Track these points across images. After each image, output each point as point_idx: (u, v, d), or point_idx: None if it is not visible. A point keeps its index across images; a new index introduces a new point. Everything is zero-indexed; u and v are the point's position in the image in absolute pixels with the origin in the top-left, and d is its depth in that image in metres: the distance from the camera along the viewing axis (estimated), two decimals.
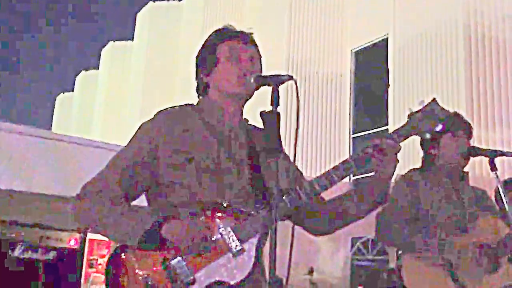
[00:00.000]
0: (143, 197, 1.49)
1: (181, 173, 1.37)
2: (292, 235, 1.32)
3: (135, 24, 21.74)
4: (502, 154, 2.09)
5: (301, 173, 1.56)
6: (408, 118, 1.42)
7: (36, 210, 6.80)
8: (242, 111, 1.50)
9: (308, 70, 11.46)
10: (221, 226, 1.31)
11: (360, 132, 11.28)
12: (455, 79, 8.46)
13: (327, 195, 1.48)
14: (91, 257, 7.47)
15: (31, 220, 6.35)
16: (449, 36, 8.79)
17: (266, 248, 1.27)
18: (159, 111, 1.47)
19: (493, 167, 2.05)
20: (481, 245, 2.11)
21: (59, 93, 29.11)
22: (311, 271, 7.46)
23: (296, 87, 1.26)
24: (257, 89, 1.41)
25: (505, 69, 8.30)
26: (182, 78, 16.38)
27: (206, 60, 1.48)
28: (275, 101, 1.24)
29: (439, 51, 8.88)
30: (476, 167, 5.58)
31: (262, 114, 1.27)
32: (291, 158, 1.50)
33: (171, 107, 1.49)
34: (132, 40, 22.09)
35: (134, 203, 1.46)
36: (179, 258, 1.29)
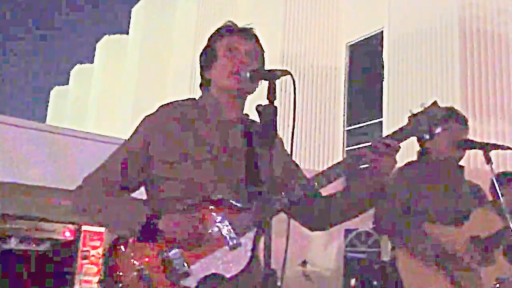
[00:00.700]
0: (142, 189, 1.52)
1: (177, 168, 1.39)
2: (288, 229, 1.33)
3: (130, 18, 21.64)
4: (497, 147, 2.11)
5: (298, 166, 1.58)
6: (408, 119, 1.44)
7: (29, 202, 6.80)
8: (242, 106, 1.52)
9: (303, 64, 11.44)
10: (218, 219, 1.32)
11: (354, 124, 11.31)
12: (450, 72, 8.46)
13: (324, 190, 1.48)
14: (84, 249, 7.47)
15: (25, 212, 6.35)
16: (444, 30, 8.79)
17: (261, 241, 1.29)
18: (161, 105, 1.49)
19: (488, 160, 2.05)
20: (474, 238, 2.12)
21: (54, 87, 28.97)
22: (304, 263, 7.49)
23: (293, 81, 1.27)
24: (256, 84, 1.44)
25: (500, 63, 8.31)
26: (176, 72, 16.33)
27: (206, 56, 1.52)
28: (271, 96, 1.26)
29: (434, 45, 8.88)
30: (471, 160, 5.60)
31: (258, 108, 1.30)
32: (289, 151, 1.50)
33: (173, 102, 1.51)
34: (127, 34, 21.99)
35: (133, 195, 1.50)
36: (175, 250, 1.31)
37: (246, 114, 1.54)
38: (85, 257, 7.54)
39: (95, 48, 24.75)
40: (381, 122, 10.02)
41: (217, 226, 1.32)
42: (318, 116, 11.29)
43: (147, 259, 1.33)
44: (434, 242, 2.07)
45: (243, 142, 1.48)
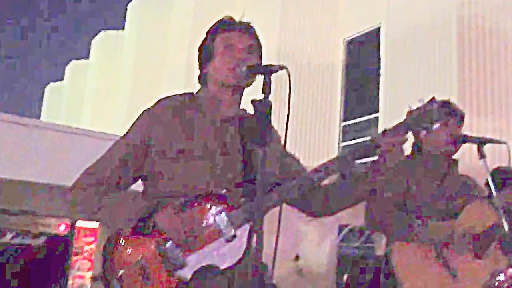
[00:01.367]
0: (139, 183, 1.53)
1: (174, 164, 1.42)
2: (279, 222, 1.35)
3: (126, 14, 21.55)
4: (491, 141, 2.13)
5: (296, 160, 1.59)
6: (407, 115, 1.47)
7: (25, 198, 6.78)
8: (239, 100, 1.54)
9: (300, 59, 11.41)
10: (214, 212, 1.35)
11: (350, 120, 11.33)
12: (447, 69, 8.45)
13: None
14: (77, 245, 7.46)
15: (20, 207, 6.34)
16: (441, 27, 8.78)
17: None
18: (159, 100, 1.51)
19: (482, 155, 2.07)
20: (468, 232, 2.13)
21: (49, 83, 28.83)
22: (296, 258, 7.52)
23: (289, 76, 1.29)
24: (252, 78, 1.45)
25: (498, 60, 8.31)
26: (172, 67, 16.27)
27: (205, 51, 1.53)
28: (266, 90, 1.28)
29: (432, 41, 8.87)
30: (467, 155, 5.58)
31: (253, 102, 1.31)
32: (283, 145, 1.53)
33: (172, 96, 1.52)
34: (123, 29, 21.90)
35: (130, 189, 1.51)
36: (171, 242, 1.34)
37: (243, 109, 1.55)
38: (78, 253, 7.54)
39: (90, 43, 24.65)
40: (377, 118, 10.01)
41: (213, 219, 1.35)
42: (315, 111, 11.30)
43: (144, 252, 1.36)
44: (431, 233, 2.10)
45: (239, 137, 1.49)
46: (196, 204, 1.36)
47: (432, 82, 8.50)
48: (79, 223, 6.68)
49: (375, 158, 1.46)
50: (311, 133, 11.24)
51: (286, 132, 1.36)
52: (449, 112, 2.23)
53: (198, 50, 1.55)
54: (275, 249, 1.32)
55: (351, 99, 11.62)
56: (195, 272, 1.33)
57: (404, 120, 1.45)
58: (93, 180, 1.44)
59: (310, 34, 11.70)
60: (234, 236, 1.34)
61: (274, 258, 1.33)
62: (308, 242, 8.07)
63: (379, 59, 10.00)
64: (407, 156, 2.30)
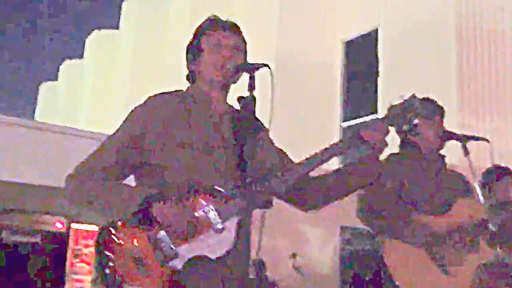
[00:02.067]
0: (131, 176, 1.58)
1: (169, 156, 1.47)
2: (262, 220, 1.43)
3: (120, 13, 21.40)
4: (474, 138, 2.24)
5: (285, 153, 1.68)
6: (388, 111, 1.55)
7: (20, 199, 6.74)
8: (226, 96, 1.62)
9: (298, 61, 11.39)
10: (205, 206, 1.41)
11: (349, 120, 11.32)
12: (446, 70, 8.47)
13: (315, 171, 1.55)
14: (76, 247, 7.39)
15: (16, 206, 6.37)
16: (440, 27, 8.79)
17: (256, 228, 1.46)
18: (150, 96, 1.58)
19: (466, 152, 2.18)
20: (458, 226, 2.19)
21: (42, 82, 28.62)
22: (293, 256, 7.57)
23: (271, 74, 1.37)
24: (238, 76, 1.55)
25: (496, 61, 8.34)
26: (170, 67, 16.19)
27: (193, 49, 1.62)
28: (251, 87, 1.38)
29: (430, 42, 8.88)
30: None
31: (239, 99, 1.42)
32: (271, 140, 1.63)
33: (162, 93, 1.60)
34: (118, 28, 21.75)
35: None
36: (163, 233, 1.40)
37: (230, 105, 1.63)
38: (76, 256, 7.47)
39: (84, 42, 24.48)
40: (377, 119, 10.00)
41: (204, 211, 1.41)
42: (313, 112, 11.27)
43: (137, 242, 1.41)
44: (422, 228, 2.14)
45: (231, 132, 1.55)
46: (188, 197, 1.42)
47: (431, 83, 8.51)
48: (78, 226, 6.68)
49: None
50: (310, 134, 11.22)
51: (269, 123, 1.46)
52: (432, 108, 2.31)
53: (186, 49, 1.64)
54: (259, 241, 1.42)
55: (350, 99, 11.62)
56: (186, 262, 1.39)
57: (386, 115, 1.53)
58: (90, 171, 1.49)
59: (308, 35, 11.68)
60: (223, 228, 1.40)
61: (258, 251, 1.44)
62: (308, 243, 8.10)
63: (378, 60, 10.00)
64: (398, 153, 2.38)
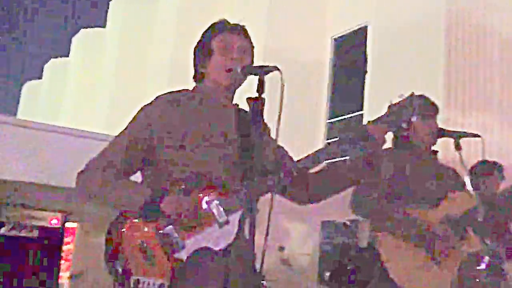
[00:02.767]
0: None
1: (175, 153, 1.53)
2: (269, 215, 1.43)
3: (107, 11, 21.21)
4: (466, 135, 2.30)
5: (286, 152, 1.74)
6: (388, 108, 1.59)
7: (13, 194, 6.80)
8: (233, 97, 1.68)
9: (287, 57, 11.38)
10: (210, 200, 1.48)
11: (336, 117, 11.35)
12: (434, 67, 8.52)
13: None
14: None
15: (14, 202, 6.58)
16: (429, 25, 8.85)
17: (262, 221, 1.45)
18: (157, 96, 1.63)
19: (458, 147, 2.24)
20: (448, 217, 2.26)
21: (26, 81, 28.23)
22: (281, 249, 7.70)
23: (281, 77, 1.40)
24: (245, 78, 1.59)
25: (484, 58, 8.41)
26: (155, 65, 16.06)
27: (202, 51, 1.66)
28: (261, 89, 1.42)
29: (419, 40, 8.93)
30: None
31: (248, 100, 1.45)
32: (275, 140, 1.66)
33: (170, 92, 1.65)
34: (105, 27, 21.55)
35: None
36: (171, 226, 1.46)
37: (237, 104, 1.69)
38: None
39: (70, 41, 24.21)
40: (361, 115, 10.05)
41: (209, 206, 1.47)
42: (301, 108, 11.27)
43: (145, 235, 1.48)
44: (415, 221, 2.20)
45: (237, 130, 1.62)
46: (194, 191, 1.49)
47: (419, 80, 8.56)
48: (55, 223, 6.80)
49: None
50: (297, 129, 11.22)
51: (278, 127, 1.47)
52: (426, 106, 2.38)
53: (194, 51, 1.68)
54: (265, 239, 1.42)
55: (337, 96, 11.66)
56: (191, 254, 1.45)
57: (385, 113, 1.58)
58: (99, 168, 1.56)
59: (297, 31, 11.69)
60: (227, 221, 1.46)
61: (264, 248, 1.42)
62: (292, 237, 8.26)
63: (366, 57, 10.04)
64: (390, 149, 2.43)
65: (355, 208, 2.28)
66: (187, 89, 1.69)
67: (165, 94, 1.64)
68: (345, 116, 11.04)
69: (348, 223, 8.34)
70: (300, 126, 11.29)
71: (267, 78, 1.45)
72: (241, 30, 1.66)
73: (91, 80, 20.55)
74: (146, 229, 1.48)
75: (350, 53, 11.48)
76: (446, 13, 8.53)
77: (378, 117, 1.58)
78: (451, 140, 2.29)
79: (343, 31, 11.60)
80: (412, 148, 2.42)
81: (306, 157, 1.54)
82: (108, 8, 21.19)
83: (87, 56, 21.99)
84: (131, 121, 1.62)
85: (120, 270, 1.45)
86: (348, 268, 6.53)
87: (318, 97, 11.73)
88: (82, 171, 1.58)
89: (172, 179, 1.53)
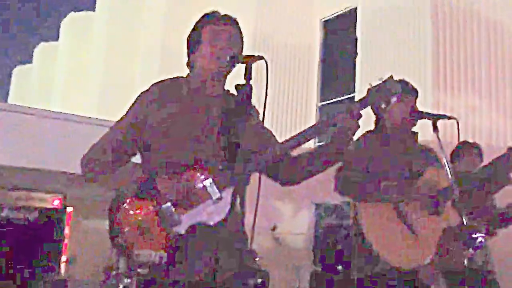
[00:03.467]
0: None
1: (167, 136, 1.64)
2: (258, 193, 1.56)
3: None
4: (443, 117, 2.41)
5: (272, 134, 1.84)
6: (367, 91, 1.68)
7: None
8: (223, 83, 1.77)
9: (276, 40, 11.35)
10: (203, 178, 1.58)
11: (327, 100, 11.39)
12: (422, 49, 8.56)
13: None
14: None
15: (14, 183, 6.57)
16: (416, 7, 8.86)
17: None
18: (153, 83, 1.75)
19: (435, 129, 2.35)
20: (424, 193, 2.38)
21: (16, 66, 27.88)
22: (273, 228, 7.82)
23: (266, 66, 1.52)
24: (233, 66, 1.67)
25: (472, 39, 8.46)
26: (145, 49, 15.93)
27: (193, 40, 1.77)
28: (248, 76, 1.53)
29: (407, 21, 8.95)
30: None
31: (236, 86, 1.55)
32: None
33: (164, 80, 1.77)
34: (94, 10, 21.26)
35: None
36: (168, 204, 1.57)
37: (227, 90, 1.78)
38: None
39: (59, 25, 23.89)
40: (353, 98, 10.09)
41: (203, 184, 1.58)
42: (291, 92, 11.31)
43: (144, 213, 1.59)
44: (393, 187, 2.30)
45: (224, 114, 1.70)
46: (187, 171, 1.60)
47: (407, 62, 8.61)
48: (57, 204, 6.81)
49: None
50: (288, 113, 11.27)
51: (264, 110, 1.60)
52: (406, 89, 2.47)
53: (187, 40, 1.79)
54: (254, 216, 1.55)
55: (328, 79, 11.67)
56: (188, 228, 1.56)
57: (365, 95, 1.67)
58: (101, 151, 1.69)
59: (286, 14, 11.64)
60: (220, 197, 1.57)
61: (253, 226, 1.58)
62: (284, 219, 8.38)
63: (356, 39, 10.03)
64: (371, 131, 2.55)
65: (340, 189, 2.37)
66: (181, 76, 1.79)
67: (158, 82, 1.76)
68: (337, 99, 11.06)
69: (340, 204, 8.45)
70: (291, 110, 11.33)
71: (258, 64, 1.54)
72: (231, 21, 1.75)
73: (81, 64, 20.36)
74: (144, 206, 1.59)
75: (340, 35, 11.46)
76: None
77: (359, 99, 1.67)
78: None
79: (332, 13, 11.56)
80: (392, 130, 2.51)
81: (286, 140, 1.64)
82: None
83: (77, 40, 21.74)
84: (129, 107, 1.73)
85: (123, 244, 1.57)
86: (337, 248, 6.65)
87: (309, 80, 11.73)
88: (84, 155, 1.71)
89: (169, 160, 1.63)
